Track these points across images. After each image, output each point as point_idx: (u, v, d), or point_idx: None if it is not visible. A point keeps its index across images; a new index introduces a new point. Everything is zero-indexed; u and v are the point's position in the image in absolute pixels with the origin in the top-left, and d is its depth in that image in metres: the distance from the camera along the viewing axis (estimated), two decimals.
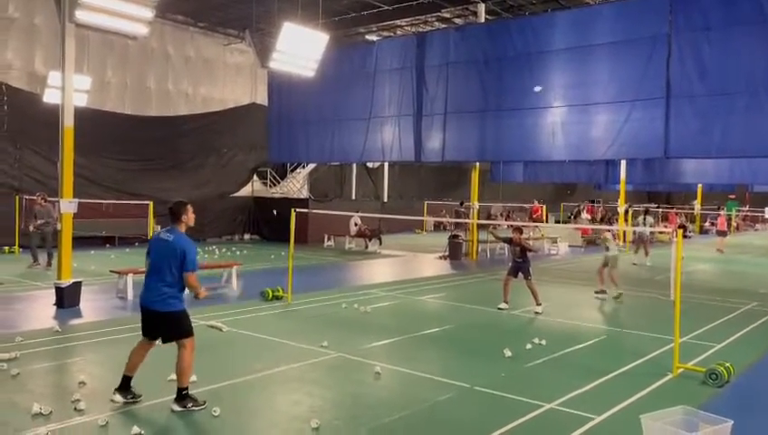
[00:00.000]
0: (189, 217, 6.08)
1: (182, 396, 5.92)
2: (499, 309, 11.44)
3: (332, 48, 17.92)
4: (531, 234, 23.51)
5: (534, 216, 33.02)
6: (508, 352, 8.26)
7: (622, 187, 26.30)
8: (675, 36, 12.33)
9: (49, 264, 14.97)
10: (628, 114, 13.01)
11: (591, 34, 13.56)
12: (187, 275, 5.84)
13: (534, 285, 11.45)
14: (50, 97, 19.46)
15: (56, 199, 11.92)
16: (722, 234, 27.02)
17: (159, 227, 15.81)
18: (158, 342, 6.20)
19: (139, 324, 6.19)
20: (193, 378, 6.48)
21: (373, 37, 24.47)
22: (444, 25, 23.35)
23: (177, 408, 5.87)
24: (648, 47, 12.65)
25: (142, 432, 5.33)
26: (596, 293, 13.21)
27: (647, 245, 20.17)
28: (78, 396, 6.10)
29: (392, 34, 24.84)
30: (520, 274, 11.50)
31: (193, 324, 6.13)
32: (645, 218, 20.98)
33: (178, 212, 6.02)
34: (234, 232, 25.26)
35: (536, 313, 11.19)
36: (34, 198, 15.56)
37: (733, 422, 5.08)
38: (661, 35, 12.48)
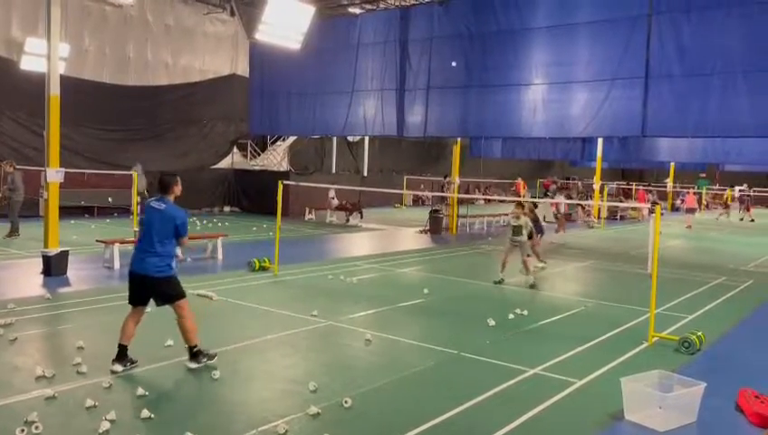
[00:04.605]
0: (177, 189, 6.51)
1: (194, 354, 6.25)
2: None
3: (316, 21, 17.86)
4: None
5: (520, 192, 33.47)
6: (492, 322, 8.58)
7: (599, 164, 26.78)
8: (655, 17, 12.62)
9: (14, 233, 14.82)
10: (608, 93, 13.32)
11: (574, 13, 13.76)
12: (182, 239, 6.36)
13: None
14: (27, 64, 19.16)
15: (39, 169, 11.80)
16: (690, 211, 27.81)
17: (140, 197, 15.90)
18: (149, 308, 6.42)
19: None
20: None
21: (356, 10, 24.34)
22: None
23: (193, 366, 6.21)
24: (629, 27, 12.93)
25: (147, 394, 5.53)
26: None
27: None
28: (78, 360, 6.26)
29: (375, 8, 24.73)
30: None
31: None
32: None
33: (169, 184, 6.42)
34: (213, 204, 25.19)
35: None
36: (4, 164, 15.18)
37: (706, 384, 5.45)
38: (642, 16, 12.76)
